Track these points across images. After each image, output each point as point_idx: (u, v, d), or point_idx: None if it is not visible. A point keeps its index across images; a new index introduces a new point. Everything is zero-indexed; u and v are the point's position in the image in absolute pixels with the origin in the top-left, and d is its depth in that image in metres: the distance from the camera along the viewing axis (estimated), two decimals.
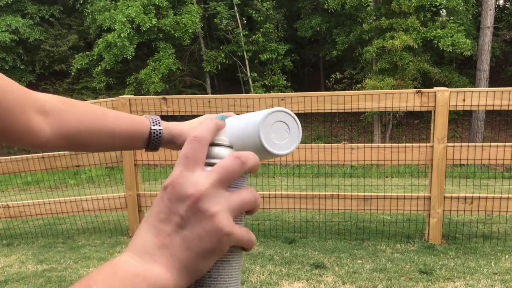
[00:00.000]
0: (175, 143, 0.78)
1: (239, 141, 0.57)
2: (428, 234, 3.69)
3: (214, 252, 0.38)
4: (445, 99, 3.47)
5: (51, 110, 0.66)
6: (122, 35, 15.43)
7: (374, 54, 15.35)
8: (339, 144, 3.81)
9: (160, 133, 0.75)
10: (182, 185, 0.38)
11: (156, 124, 0.76)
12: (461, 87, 14.22)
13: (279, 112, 0.57)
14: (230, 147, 0.43)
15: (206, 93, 17.07)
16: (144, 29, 15.76)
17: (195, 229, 0.37)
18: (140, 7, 15.65)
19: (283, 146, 0.57)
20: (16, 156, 4.23)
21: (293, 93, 4.10)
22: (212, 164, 0.40)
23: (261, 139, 0.54)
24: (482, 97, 3.46)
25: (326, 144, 3.84)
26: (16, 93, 0.61)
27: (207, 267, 0.38)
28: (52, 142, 0.67)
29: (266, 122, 0.56)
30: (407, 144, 3.64)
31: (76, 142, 0.69)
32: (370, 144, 3.81)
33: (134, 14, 15.48)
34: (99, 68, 16.71)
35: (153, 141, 0.75)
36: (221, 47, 17.71)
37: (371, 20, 16.00)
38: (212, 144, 0.41)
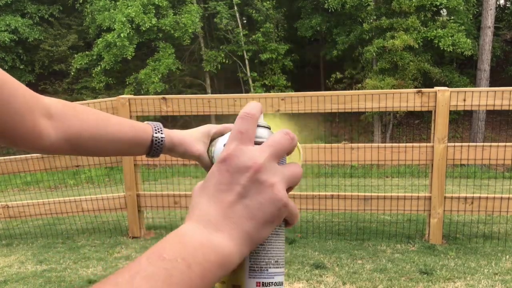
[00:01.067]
0: (175, 151, 0.78)
1: None
2: (429, 234, 3.68)
3: (274, 221, 0.39)
4: (445, 99, 3.47)
5: (56, 114, 0.67)
6: (121, 35, 15.42)
7: (374, 54, 15.35)
8: (339, 144, 3.80)
9: (162, 140, 0.76)
10: (240, 157, 0.40)
11: (158, 131, 0.76)
12: (462, 87, 14.21)
13: None
14: (269, 128, 0.45)
15: (206, 93, 17.06)
16: (143, 29, 15.75)
17: (256, 198, 0.39)
18: (140, 6, 15.63)
19: None
20: (16, 156, 4.22)
21: (293, 93, 4.09)
22: (258, 143, 0.42)
23: None
24: (483, 97, 3.45)
25: (326, 144, 3.83)
26: (25, 96, 0.62)
27: (266, 235, 0.39)
28: (55, 146, 0.68)
29: None
30: (408, 144, 3.63)
31: (79, 147, 0.70)
32: (370, 144, 3.80)
33: (133, 13, 15.47)
34: (99, 68, 16.70)
35: (155, 148, 0.76)
36: (221, 47, 17.70)
37: (371, 20, 15.98)
38: (257, 125, 0.44)
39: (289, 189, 0.43)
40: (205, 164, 0.78)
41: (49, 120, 0.66)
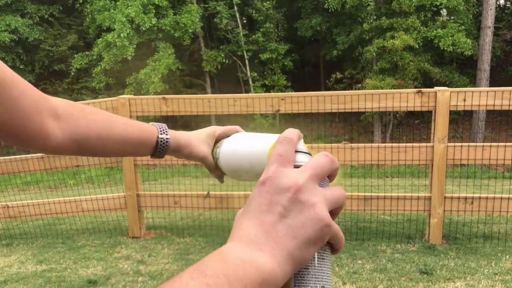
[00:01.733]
0: (180, 153, 0.78)
1: (244, 160, 0.63)
2: (429, 234, 3.68)
3: (317, 241, 0.39)
4: (445, 99, 3.47)
5: (63, 115, 0.67)
6: (121, 35, 15.42)
7: (374, 54, 15.35)
8: (339, 144, 3.80)
9: (167, 141, 0.76)
10: (280, 179, 0.40)
11: (164, 132, 0.76)
12: (462, 87, 14.21)
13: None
14: (309, 154, 0.46)
15: (206, 93, 17.06)
16: (143, 29, 15.76)
17: (297, 218, 0.39)
18: (140, 6, 15.64)
19: None
20: (16, 156, 4.22)
21: (293, 93, 4.09)
22: (298, 166, 0.43)
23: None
24: (483, 97, 3.45)
25: (326, 144, 3.83)
26: (33, 96, 0.62)
27: (309, 256, 0.39)
28: (62, 147, 0.68)
29: None
30: (408, 144, 3.63)
31: (86, 147, 0.71)
32: (370, 144, 3.79)
33: (133, 13, 15.47)
34: (99, 68, 16.70)
35: (160, 149, 0.76)
36: (221, 47, 17.70)
37: (371, 20, 15.99)
38: (296, 151, 0.45)
39: (333, 213, 0.43)
40: (209, 165, 0.78)
41: (56, 120, 0.66)
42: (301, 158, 0.44)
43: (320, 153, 0.43)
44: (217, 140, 0.79)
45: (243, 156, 0.64)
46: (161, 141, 0.76)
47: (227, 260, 0.36)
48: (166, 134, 0.76)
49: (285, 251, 0.38)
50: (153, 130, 0.76)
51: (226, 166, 0.70)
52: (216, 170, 0.78)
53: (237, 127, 0.78)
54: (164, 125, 0.78)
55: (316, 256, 0.41)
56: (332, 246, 0.42)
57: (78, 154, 0.73)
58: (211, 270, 0.35)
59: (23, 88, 0.60)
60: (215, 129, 0.79)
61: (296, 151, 0.44)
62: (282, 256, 0.38)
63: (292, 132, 0.45)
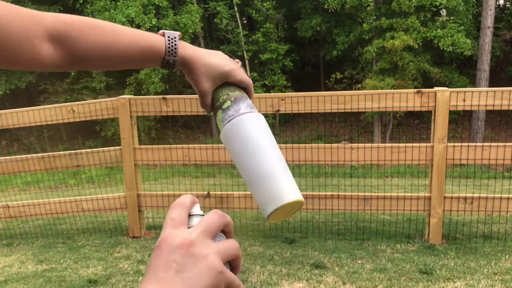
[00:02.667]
0: (186, 73, 0.72)
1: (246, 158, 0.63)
2: (428, 234, 3.68)
3: None
4: (445, 99, 3.47)
5: (58, 37, 0.64)
6: None
7: (374, 54, 15.35)
8: (339, 144, 3.80)
9: (173, 63, 0.70)
10: (173, 239, 0.43)
11: (172, 53, 0.70)
12: (461, 87, 14.22)
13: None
14: (203, 215, 0.49)
15: None
16: (144, 29, 15.75)
17: (192, 270, 0.42)
18: (140, 7, 15.64)
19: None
20: (16, 156, 4.22)
21: (293, 93, 4.09)
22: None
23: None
24: (482, 97, 3.46)
25: (326, 144, 3.84)
26: (22, 23, 0.60)
27: None
28: (63, 68, 0.67)
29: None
30: (407, 144, 3.64)
31: (86, 68, 0.70)
32: (370, 144, 3.80)
33: (134, 14, 15.47)
34: None
35: (166, 66, 0.70)
36: (221, 47, 17.70)
37: (371, 20, 15.99)
38: (190, 215, 0.48)
39: (233, 267, 0.47)
40: (204, 101, 0.72)
41: (52, 44, 0.64)
42: (194, 221, 0.47)
43: (211, 211, 0.47)
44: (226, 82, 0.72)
45: (248, 157, 0.62)
46: (167, 62, 0.70)
47: None
48: (174, 56, 0.70)
49: None
50: (160, 49, 0.70)
51: (225, 137, 0.66)
52: (206, 107, 0.72)
53: (250, 85, 0.72)
54: (175, 43, 0.70)
55: None
56: None
57: (81, 69, 0.72)
58: None
59: (8, 19, 0.58)
60: (229, 75, 0.71)
61: (190, 215, 0.48)
62: None
63: (184, 198, 0.48)
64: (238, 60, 0.76)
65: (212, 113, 0.73)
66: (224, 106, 0.68)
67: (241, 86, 0.72)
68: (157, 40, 0.69)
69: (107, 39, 0.67)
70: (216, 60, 0.71)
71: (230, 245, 0.46)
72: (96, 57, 0.67)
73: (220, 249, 0.44)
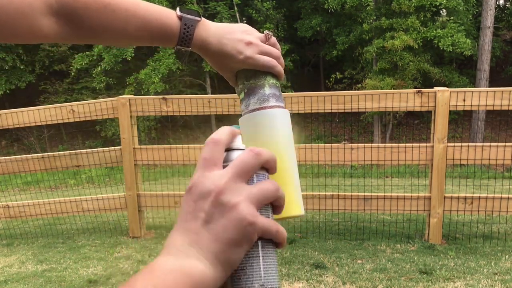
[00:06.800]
0: (203, 52, 0.67)
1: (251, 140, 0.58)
2: (428, 234, 3.69)
3: (242, 242, 0.39)
4: (445, 99, 3.47)
5: (61, 11, 0.61)
6: None
7: (374, 54, 15.36)
8: (339, 144, 3.81)
9: (187, 48, 0.66)
10: (203, 183, 0.40)
11: (185, 41, 0.65)
12: (461, 87, 14.22)
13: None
14: (243, 150, 0.44)
15: (206, 93, 17.06)
16: None
17: (219, 221, 0.39)
18: None
19: None
20: (16, 156, 4.23)
21: (293, 93, 4.10)
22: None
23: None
24: (482, 97, 3.46)
25: (326, 144, 3.84)
26: (18, 2, 0.58)
27: (238, 257, 0.39)
28: (68, 40, 0.65)
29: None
30: (407, 144, 3.64)
31: (94, 41, 0.67)
32: (370, 144, 3.80)
33: None
34: (99, 68, 16.69)
35: (183, 39, 0.65)
36: None
37: (371, 20, 15.99)
38: (229, 149, 0.43)
39: (275, 206, 0.43)
40: (231, 80, 0.67)
41: (55, 17, 0.62)
42: (234, 156, 0.43)
43: (246, 149, 0.42)
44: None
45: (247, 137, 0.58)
46: (179, 49, 0.66)
47: (155, 271, 0.36)
48: (187, 45, 0.65)
49: (210, 255, 0.39)
50: (173, 36, 0.65)
51: (244, 124, 0.60)
52: (233, 82, 0.67)
53: (273, 66, 0.64)
54: (193, 26, 0.65)
55: (252, 255, 0.40)
56: (273, 242, 0.42)
57: (88, 43, 0.70)
58: (141, 284, 0.35)
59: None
60: (244, 65, 0.65)
61: (230, 149, 0.43)
62: (208, 260, 0.38)
63: (220, 132, 0.44)
64: (268, 32, 0.67)
65: None
66: (240, 96, 0.63)
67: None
68: (171, 26, 0.64)
69: (116, 23, 0.63)
70: (229, 47, 0.65)
71: (265, 187, 0.41)
72: (103, 38, 0.65)
73: (254, 195, 0.40)
